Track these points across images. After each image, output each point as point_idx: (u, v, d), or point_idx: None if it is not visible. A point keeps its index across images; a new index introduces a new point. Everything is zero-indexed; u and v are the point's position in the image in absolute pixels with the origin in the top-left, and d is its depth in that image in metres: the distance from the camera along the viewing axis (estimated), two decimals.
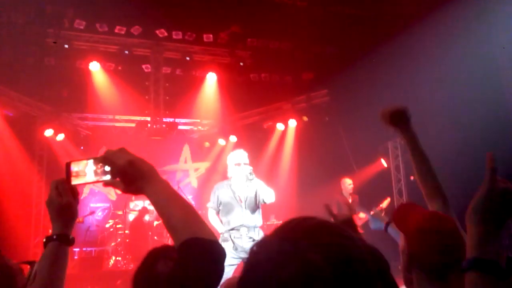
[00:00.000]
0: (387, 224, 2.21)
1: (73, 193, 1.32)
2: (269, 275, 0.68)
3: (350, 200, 7.14)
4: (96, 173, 1.23)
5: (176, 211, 1.11)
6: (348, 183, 7.21)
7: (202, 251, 1.04)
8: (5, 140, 7.94)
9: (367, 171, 8.78)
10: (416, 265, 1.40)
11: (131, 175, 1.14)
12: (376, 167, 8.90)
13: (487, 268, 0.99)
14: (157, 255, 1.49)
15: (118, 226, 8.33)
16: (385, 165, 8.77)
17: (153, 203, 1.14)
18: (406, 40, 7.04)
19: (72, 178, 1.26)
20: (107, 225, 8.53)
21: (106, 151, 1.18)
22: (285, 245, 0.72)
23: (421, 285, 1.40)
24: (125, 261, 7.86)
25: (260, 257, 0.72)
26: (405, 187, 8.42)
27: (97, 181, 1.23)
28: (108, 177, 1.20)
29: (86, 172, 1.24)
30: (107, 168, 1.19)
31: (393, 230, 2.10)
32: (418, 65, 7.40)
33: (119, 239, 8.12)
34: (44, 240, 1.32)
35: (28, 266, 1.35)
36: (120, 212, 8.62)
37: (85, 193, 9.05)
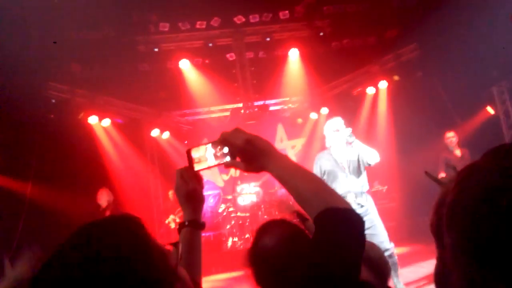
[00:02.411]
0: None
1: (197, 179, 1.34)
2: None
3: (459, 155, 6.72)
4: (216, 156, 1.23)
5: (305, 183, 1.09)
6: (450, 136, 6.74)
7: (342, 220, 1.02)
8: (120, 145, 8.79)
9: (473, 122, 8.20)
10: None
11: (250, 153, 1.13)
12: (483, 116, 8.28)
13: None
14: (260, 231, 1.46)
15: (230, 209, 8.86)
16: (492, 112, 8.13)
17: (278, 178, 1.12)
18: None
19: (195, 165, 1.27)
20: (220, 210, 9.08)
21: (222, 132, 1.19)
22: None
23: None
24: (241, 241, 8.34)
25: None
26: None
27: (218, 164, 1.24)
28: (228, 159, 1.20)
29: (206, 157, 1.25)
30: (226, 150, 1.20)
31: None
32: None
33: (233, 222, 8.62)
34: (178, 227, 1.37)
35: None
36: (229, 197, 9.16)
37: None
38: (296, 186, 1.10)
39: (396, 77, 9.24)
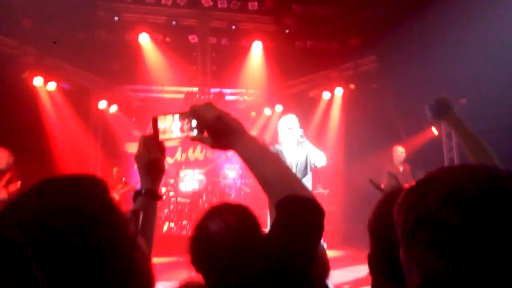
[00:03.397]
0: None
1: (161, 149, 1.29)
2: None
3: (401, 169, 7.01)
4: (182, 128, 1.20)
5: (270, 168, 1.08)
6: (400, 151, 7.04)
7: (303, 208, 1.01)
8: (63, 112, 8.34)
9: (416, 140, 8.55)
10: None
11: (220, 130, 1.10)
12: (427, 135, 8.65)
13: None
14: (208, 214, 1.44)
15: (170, 194, 8.67)
16: (436, 133, 8.51)
17: (244, 159, 1.10)
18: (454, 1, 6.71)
19: (160, 134, 1.23)
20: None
21: (193, 105, 1.15)
22: None
23: None
24: (178, 227, 8.20)
25: None
26: (457, 156, 8.17)
27: (184, 137, 1.20)
28: (195, 132, 1.17)
29: (172, 128, 1.21)
30: (194, 123, 1.16)
31: None
32: (469, 25, 7.04)
33: (171, 206, 8.45)
34: (133, 194, 1.32)
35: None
36: (171, 181, 8.95)
37: None
38: (262, 168, 1.08)
39: (352, 86, 9.45)
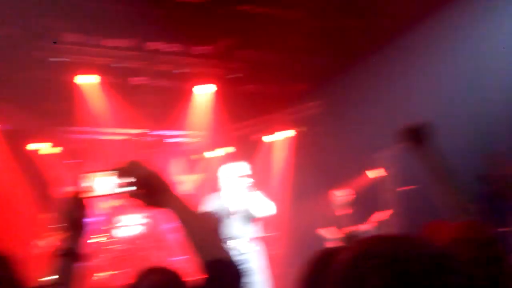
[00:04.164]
0: None
1: (85, 206, 1.30)
2: None
3: (342, 212, 7.06)
4: (115, 185, 1.19)
5: (198, 229, 1.13)
6: (338, 195, 7.15)
7: (225, 272, 1.09)
8: None
9: (359, 182, 8.70)
10: None
11: (154, 188, 1.13)
12: (366, 178, 8.83)
13: None
14: (139, 279, 1.47)
15: (104, 241, 8.14)
16: (375, 176, 8.69)
17: (177, 217, 1.13)
18: (399, 48, 7.08)
19: (87, 191, 1.22)
20: (92, 241, 8.33)
21: (128, 162, 1.18)
22: None
23: None
24: (110, 278, 7.70)
25: None
26: (396, 197, 8.31)
27: (115, 194, 1.19)
28: (127, 189, 1.16)
29: (104, 185, 1.20)
30: (128, 180, 1.16)
31: None
32: (411, 72, 7.39)
33: (104, 255, 7.94)
34: (52, 253, 1.30)
35: None
36: (105, 227, 8.40)
37: None
38: (191, 229, 1.12)
39: (298, 129, 9.58)
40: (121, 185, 1.18)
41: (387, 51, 7.17)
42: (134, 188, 1.15)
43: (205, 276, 1.08)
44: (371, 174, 8.72)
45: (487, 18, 6.27)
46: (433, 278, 0.69)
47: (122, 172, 1.18)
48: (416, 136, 1.92)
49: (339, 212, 6.99)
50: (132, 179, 1.15)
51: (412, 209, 5.89)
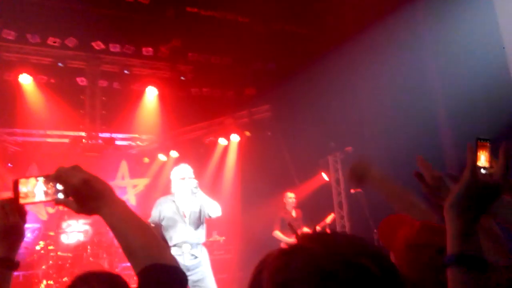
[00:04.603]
0: None
1: (21, 213, 1.25)
2: None
3: (294, 215, 7.17)
4: (46, 192, 1.16)
5: (135, 235, 1.07)
6: (289, 197, 7.25)
7: (164, 278, 1.01)
8: None
9: (309, 185, 8.89)
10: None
11: (85, 195, 1.09)
12: (318, 181, 9.03)
13: (470, 263, 0.98)
14: (76, 283, 1.41)
15: (49, 247, 7.76)
16: (327, 178, 8.93)
17: (109, 225, 1.09)
18: (344, 55, 7.31)
19: (20, 198, 1.18)
20: (38, 247, 7.92)
21: (58, 168, 1.12)
22: None
23: None
24: (57, 285, 7.34)
25: None
26: (345, 200, 8.59)
27: (48, 201, 1.17)
28: (60, 196, 1.13)
29: (35, 191, 1.17)
30: (59, 187, 1.13)
31: None
32: (355, 78, 7.69)
33: (51, 262, 7.56)
34: None
35: None
36: (52, 233, 8.05)
37: None
38: (125, 236, 1.07)
39: (247, 133, 9.65)
40: (50, 193, 1.16)
41: (332, 56, 7.40)
42: (61, 195, 1.13)
43: (145, 281, 1.02)
44: (321, 176, 8.96)
45: (432, 25, 6.65)
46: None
47: (51, 179, 1.15)
48: (361, 175, 1.84)
49: (291, 214, 7.09)
50: (60, 187, 1.13)
51: (363, 211, 6.09)
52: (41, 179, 1.17)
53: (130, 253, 1.06)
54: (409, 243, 1.30)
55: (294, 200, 7.24)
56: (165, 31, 8.30)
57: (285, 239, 6.82)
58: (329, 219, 7.54)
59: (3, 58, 7.94)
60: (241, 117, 9.74)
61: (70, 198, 1.11)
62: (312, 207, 7.73)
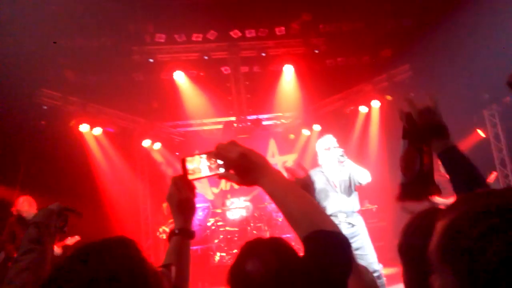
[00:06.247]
0: None
1: (190, 188, 1.35)
2: None
3: (448, 177, 6.80)
4: (210, 167, 1.26)
5: (296, 202, 1.09)
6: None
7: (329, 244, 1.02)
8: (110, 154, 8.71)
9: (463, 144, 8.26)
10: None
11: (244, 167, 1.14)
12: (473, 138, 8.35)
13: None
14: (247, 253, 1.37)
15: (219, 223, 8.76)
16: (483, 135, 8.21)
17: (270, 194, 1.12)
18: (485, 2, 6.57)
19: (189, 174, 1.30)
20: (209, 224, 8.98)
21: (218, 145, 1.20)
22: None
23: None
24: (229, 257, 8.24)
25: None
26: (508, 157, 7.83)
27: (212, 175, 1.26)
28: (222, 170, 1.22)
29: (200, 167, 1.28)
30: (220, 162, 1.22)
31: None
32: (504, 17, 6.85)
33: (221, 236, 8.51)
34: (168, 235, 1.38)
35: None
36: (219, 210, 9.06)
37: None
38: (286, 203, 1.10)
39: (389, 97, 9.30)
40: (213, 168, 1.24)
41: (473, 5, 6.69)
42: (224, 169, 1.20)
43: (311, 248, 1.02)
44: (476, 133, 8.28)
45: None
46: None
47: (212, 155, 1.23)
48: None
49: (445, 175, 6.74)
50: (220, 162, 1.20)
51: None
52: (204, 156, 1.27)
53: (293, 220, 1.07)
54: None
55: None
56: (294, 7, 8.43)
57: (443, 201, 6.55)
58: (491, 178, 6.99)
59: (158, 60, 8.93)
60: (380, 82, 9.41)
61: (231, 171, 1.18)
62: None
